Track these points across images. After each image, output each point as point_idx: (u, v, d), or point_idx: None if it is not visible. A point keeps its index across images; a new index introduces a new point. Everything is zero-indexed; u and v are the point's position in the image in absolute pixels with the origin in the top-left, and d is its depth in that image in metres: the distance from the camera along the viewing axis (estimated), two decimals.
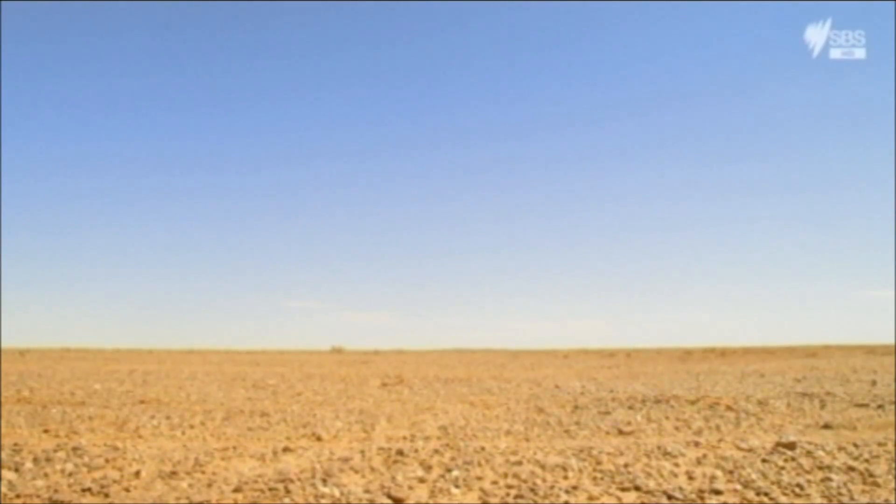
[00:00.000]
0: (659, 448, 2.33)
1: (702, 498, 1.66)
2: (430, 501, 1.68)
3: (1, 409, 3.62)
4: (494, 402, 4.21)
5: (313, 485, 1.77)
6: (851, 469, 1.94)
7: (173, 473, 1.92)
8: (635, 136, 25.18)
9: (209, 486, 1.80)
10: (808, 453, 2.18)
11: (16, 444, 2.41)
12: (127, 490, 1.75)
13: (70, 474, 1.92)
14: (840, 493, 1.68)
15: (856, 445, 2.32)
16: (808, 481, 1.79)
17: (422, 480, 1.84)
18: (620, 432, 2.82)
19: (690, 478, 1.87)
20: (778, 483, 1.77)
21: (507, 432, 2.83)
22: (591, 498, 1.68)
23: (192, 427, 3.01)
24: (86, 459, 2.12)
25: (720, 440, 2.55)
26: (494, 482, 1.82)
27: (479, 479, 1.86)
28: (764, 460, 2.09)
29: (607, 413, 3.50)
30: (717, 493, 1.70)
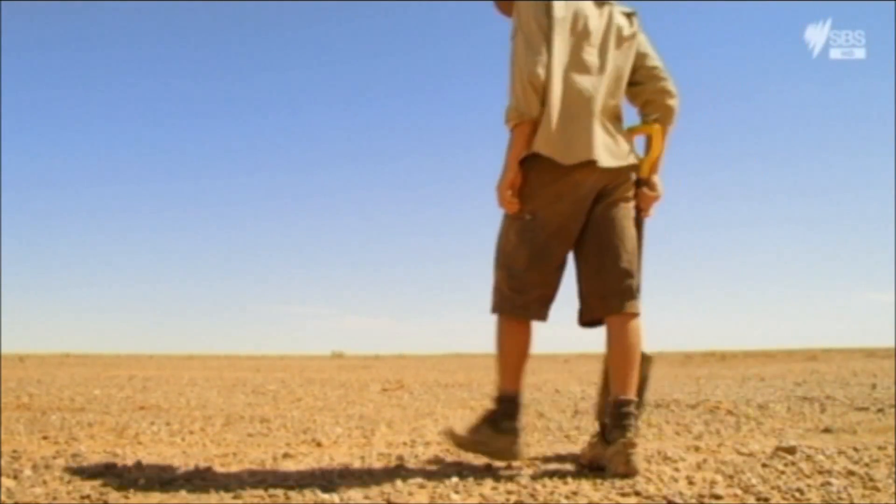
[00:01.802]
0: (659, 453, 2.33)
1: (702, 503, 1.66)
2: None
3: (0, 416, 3.62)
4: None
5: (313, 491, 1.77)
6: (851, 473, 1.94)
7: (172, 480, 1.92)
8: None
9: (208, 492, 1.79)
10: (809, 457, 2.18)
11: (14, 451, 2.41)
12: (126, 497, 1.75)
13: (69, 481, 1.92)
14: (840, 498, 1.68)
15: (856, 449, 2.32)
16: (808, 486, 1.79)
17: (422, 486, 1.84)
18: None
19: (690, 483, 1.87)
20: (778, 488, 1.77)
21: None
22: (591, 503, 1.67)
23: (191, 433, 3.00)
24: (85, 466, 2.12)
25: (720, 444, 2.55)
26: (494, 488, 1.82)
27: (479, 484, 1.85)
28: (764, 465, 2.09)
29: None
30: (717, 497, 1.70)
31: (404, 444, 2.65)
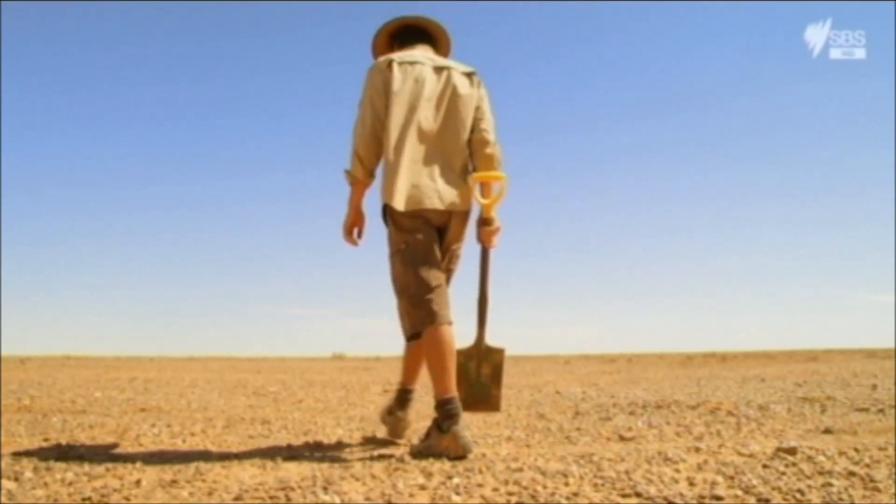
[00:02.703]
0: (660, 454, 2.33)
1: None
2: None
3: (1, 418, 3.62)
4: None
5: (314, 492, 1.77)
6: (852, 474, 1.94)
7: (173, 482, 1.92)
8: (633, 138, 25.24)
9: (210, 494, 1.80)
10: (809, 458, 2.18)
11: (15, 453, 2.41)
12: (127, 499, 1.75)
13: (70, 483, 1.92)
14: (841, 499, 1.68)
15: (856, 450, 2.32)
16: (809, 486, 1.79)
17: (423, 487, 1.84)
18: (621, 438, 2.82)
19: (691, 484, 1.87)
20: (778, 489, 1.77)
21: (508, 439, 2.83)
22: None
23: (192, 435, 3.00)
24: (86, 468, 2.12)
25: (721, 445, 2.55)
26: (495, 489, 1.82)
27: (480, 486, 1.85)
28: (765, 466, 2.09)
29: (608, 419, 3.50)
30: (718, 498, 1.70)
31: (405, 445, 2.65)
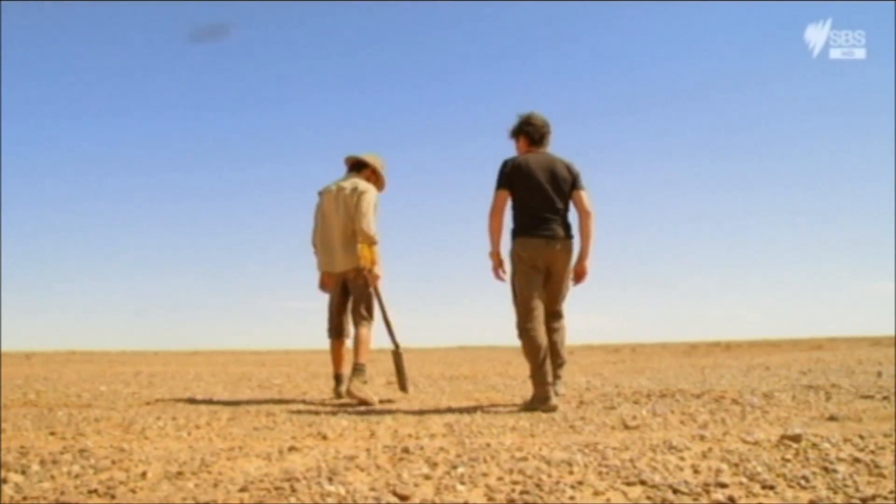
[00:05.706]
0: (664, 442, 2.33)
1: (707, 491, 1.66)
2: (436, 499, 1.68)
3: (7, 413, 3.64)
4: (500, 399, 4.21)
5: (319, 483, 1.78)
6: (857, 461, 1.93)
7: (179, 474, 1.93)
8: (635, 133, 25.17)
9: (215, 486, 1.80)
10: (814, 445, 2.18)
11: (22, 447, 2.42)
12: (133, 491, 1.76)
13: (76, 476, 1.93)
14: (845, 485, 1.68)
15: (861, 437, 2.32)
16: (814, 473, 1.79)
17: (427, 477, 1.84)
18: (626, 427, 2.82)
19: (696, 471, 1.87)
20: (783, 476, 1.77)
21: (513, 429, 2.83)
22: (596, 493, 1.68)
23: (197, 427, 3.01)
24: (92, 461, 2.13)
25: (725, 433, 2.55)
26: (500, 478, 1.82)
27: (485, 475, 1.86)
28: (769, 453, 2.08)
29: (612, 408, 3.50)
30: (723, 486, 1.70)
31: (409, 436, 2.66)
